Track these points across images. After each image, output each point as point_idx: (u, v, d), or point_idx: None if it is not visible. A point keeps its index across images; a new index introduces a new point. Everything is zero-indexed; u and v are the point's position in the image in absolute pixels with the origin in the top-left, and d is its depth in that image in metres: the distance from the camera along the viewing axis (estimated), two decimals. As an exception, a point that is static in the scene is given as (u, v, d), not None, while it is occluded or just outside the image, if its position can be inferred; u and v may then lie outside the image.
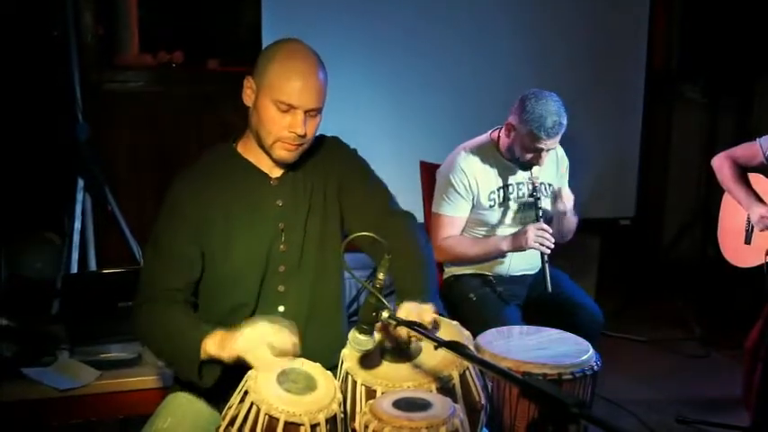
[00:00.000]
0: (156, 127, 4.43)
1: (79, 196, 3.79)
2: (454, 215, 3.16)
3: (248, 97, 2.06)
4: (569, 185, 3.35)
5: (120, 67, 4.50)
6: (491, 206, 3.17)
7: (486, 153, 3.19)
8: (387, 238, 1.76)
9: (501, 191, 3.19)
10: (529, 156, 3.06)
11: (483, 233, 3.22)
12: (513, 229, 3.16)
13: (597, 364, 2.26)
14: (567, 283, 3.28)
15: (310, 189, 2.14)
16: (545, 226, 3.04)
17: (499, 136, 3.18)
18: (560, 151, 3.35)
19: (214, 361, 1.84)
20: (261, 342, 1.79)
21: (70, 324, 2.73)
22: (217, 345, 1.82)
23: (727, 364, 4.13)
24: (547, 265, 3.04)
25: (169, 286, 2.01)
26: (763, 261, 3.37)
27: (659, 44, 5.11)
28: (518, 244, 3.05)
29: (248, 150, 2.12)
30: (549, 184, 3.26)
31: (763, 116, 5.24)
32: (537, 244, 3.00)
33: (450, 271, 3.30)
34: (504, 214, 3.21)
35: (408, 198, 3.80)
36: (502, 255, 3.15)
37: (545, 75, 4.48)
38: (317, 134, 2.16)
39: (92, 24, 4.30)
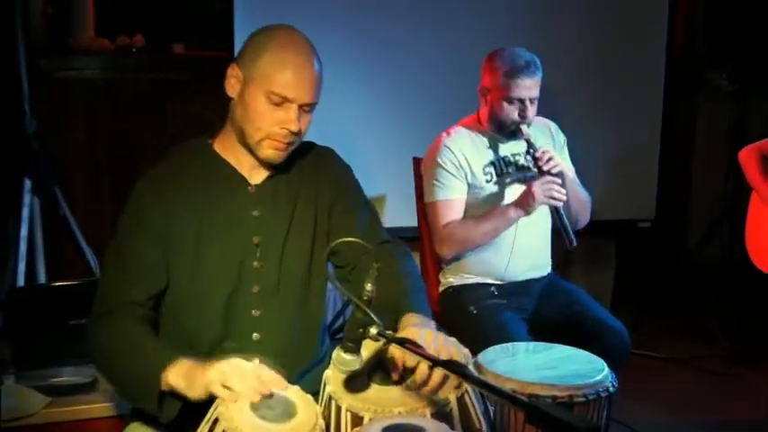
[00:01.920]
0: (115, 119, 4.40)
1: (26, 199, 3.76)
2: (450, 197, 3.19)
3: (233, 87, 2.03)
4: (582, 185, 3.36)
5: (74, 52, 4.48)
6: (488, 180, 3.22)
7: (471, 129, 3.27)
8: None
9: (496, 163, 3.24)
10: (513, 113, 3.12)
11: None
12: None
13: (613, 385, 2.25)
14: (586, 299, 3.27)
15: (294, 201, 2.12)
16: (550, 177, 3.05)
17: (478, 114, 3.26)
18: (553, 126, 3.41)
19: (174, 394, 1.80)
20: (241, 370, 1.75)
21: (16, 344, 2.70)
22: (183, 379, 1.78)
23: (757, 383, 4.15)
24: (564, 218, 3.07)
25: (129, 299, 1.99)
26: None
27: (681, 24, 5.15)
28: (526, 204, 3.06)
29: (227, 149, 2.10)
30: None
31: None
32: (546, 198, 3.02)
33: (448, 282, 3.30)
34: (505, 187, 3.23)
35: (402, 195, 3.83)
36: (511, 223, 3.11)
37: (550, 65, 4.49)
38: (308, 141, 2.16)
39: (41, 4, 4.27)
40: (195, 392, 1.76)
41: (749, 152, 3.63)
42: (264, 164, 2.08)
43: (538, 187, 3.03)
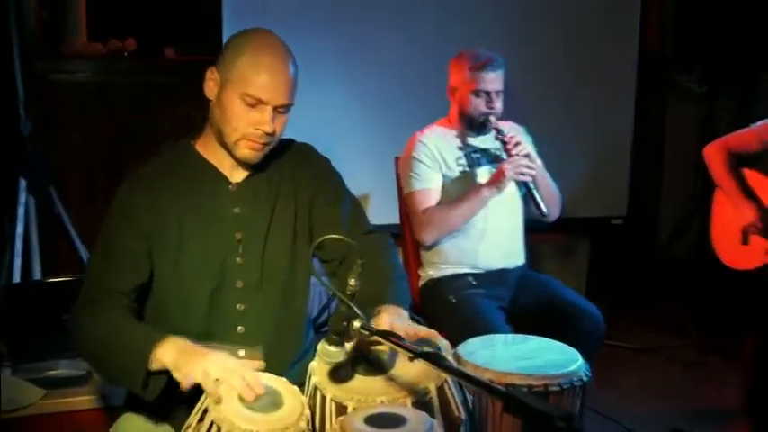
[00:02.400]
0: (107, 121, 4.38)
1: (22, 198, 3.74)
2: (426, 187, 3.24)
3: (211, 90, 2.03)
4: (555, 183, 3.40)
5: (68, 56, 4.45)
6: (462, 171, 3.29)
7: (443, 129, 3.37)
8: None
9: (468, 156, 3.32)
10: (481, 105, 3.22)
11: None
12: None
13: (587, 375, 2.25)
14: (560, 286, 3.32)
15: (274, 197, 2.12)
16: (519, 157, 3.14)
17: (449, 115, 3.37)
18: (521, 129, 3.47)
19: (161, 372, 1.79)
20: (227, 370, 1.74)
21: (12, 339, 2.69)
22: (174, 355, 1.77)
23: (726, 371, 4.17)
24: (534, 191, 3.16)
25: (114, 288, 1.98)
26: (762, 263, 3.41)
27: (652, 28, 5.15)
28: (497, 182, 3.15)
29: (208, 149, 2.10)
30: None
31: (764, 107, 5.29)
32: (515, 174, 3.13)
33: (428, 275, 3.32)
34: (476, 176, 3.29)
35: (385, 194, 3.83)
36: (484, 202, 3.18)
37: (526, 67, 4.51)
38: (287, 138, 2.16)
39: (35, 8, 4.25)
40: (181, 375, 1.74)
41: (715, 148, 3.63)
42: (242, 163, 2.08)
43: (508, 165, 3.14)
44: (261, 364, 1.81)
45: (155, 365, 1.79)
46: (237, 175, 2.11)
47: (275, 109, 1.99)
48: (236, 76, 1.97)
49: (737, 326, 3.97)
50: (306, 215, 2.15)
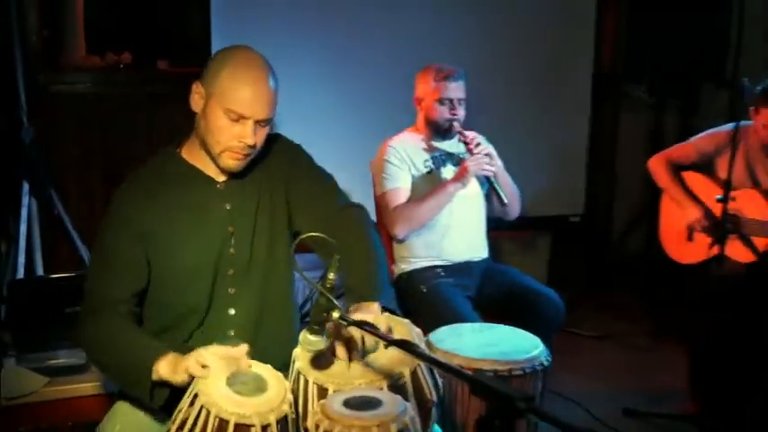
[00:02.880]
0: (104, 129, 4.34)
1: (25, 200, 3.71)
2: (397, 186, 3.26)
3: (196, 103, 2.01)
4: (517, 184, 3.41)
5: (67, 69, 4.40)
6: (429, 172, 3.31)
7: (412, 135, 3.40)
8: (336, 233, 1.77)
9: (434, 158, 3.35)
10: (445, 112, 3.27)
11: None
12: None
13: (547, 360, 2.27)
14: (522, 275, 3.35)
15: (257, 190, 2.11)
16: (478, 155, 3.20)
17: (416, 124, 3.41)
18: (483, 138, 3.44)
19: (164, 383, 1.80)
20: (213, 351, 1.76)
21: (17, 331, 2.67)
22: (170, 368, 1.78)
23: (675, 356, 4.19)
24: (495, 183, 3.22)
25: (113, 297, 1.97)
26: (706, 257, 3.44)
27: (606, 46, 5.18)
28: (461, 177, 3.21)
29: (193, 155, 2.09)
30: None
31: (708, 117, 5.34)
32: (477, 169, 3.19)
33: (401, 269, 3.33)
34: (442, 176, 3.32)
35: (362, 195, 3.81)
36: (450, 197, 3.22)
37: (494, 77, 4.53)
38: None
39: (37, 25, 4.21)
40: (178, 377, 1.76)
41: (657, 160, 3.68)
42: (225, 171, 2.07)
43: (470, 162, 3.20)
44: (246, 346, 1.80)
45: (156, 377, 1.80)
46: (222, 176, 2.10)
47: (256, 122, 1.97)
48: (220, 91, 1.95)
49: (684, 313, 4.01)
50: (283, 200, 2.14)
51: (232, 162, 2.01)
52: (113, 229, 2.02)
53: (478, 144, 3.26)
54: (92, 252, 2.06)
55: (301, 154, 2.23)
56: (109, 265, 2.00)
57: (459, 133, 3.29)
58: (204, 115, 1.99)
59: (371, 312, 1.84)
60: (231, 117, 1.95)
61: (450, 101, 3.26)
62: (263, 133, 2.01)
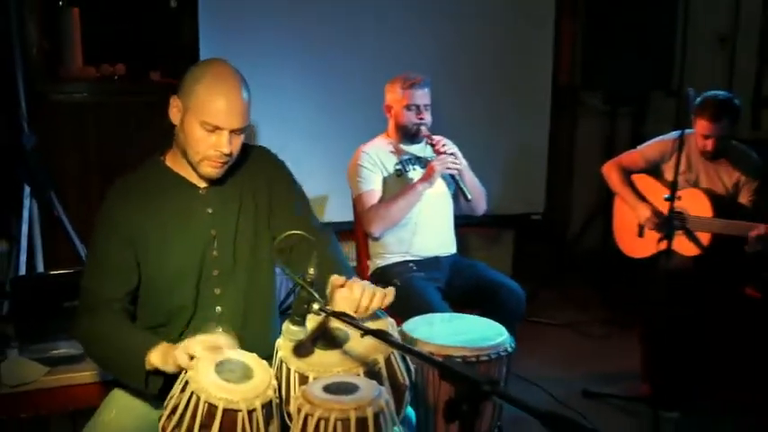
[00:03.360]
0: (101, 135, 4.32)
1: (26, 202, 3.68)
2: (369, 188, 3.26)
3: (174, 116, 1.99)
4: (483, 184, 3.42)
5: (66, 79, 4.37)
6: (399, 174, 3.31)
7: (383, 140, 3.40)
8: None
9: (404, 162, 3.35)
10: (413, 117, 3.27)
11: None
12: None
13: (511, 346, 2.28)
14: (487, 269, 3.35)
15: (239, 195, 2.09)
16: (444, 156, 3.21)
17: (387, 131, 3.40)
18: (450, 142, 3.45)
19: (158, 372, 1.79)
20: (199, 340, 1.75)
21: (19, 323, 2.63)
22: (161, 357, 1.77)
23: (628, 342, 4.22)
24: (459, 181, 3.23)
25: (107, 296, 1.96)
26: (656, 252, 3.47)
27: (564, 58, 5.21)
28: (429, 177, 3.20)
29: (176, 163, 2.07)
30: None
31: (656, 123, 5.39)
32: (443, 168, 3.19)
33: (376, 264, 3.33)
34: (411, 178, 3.31)
35: (341, 196, 3.83)
36: (419, 196, 3.21)
37: (462, 87, 4.54)
38: (245, 143, 2.13)
39: (36, 39, 4.17)
40: (170, 367, 1.75)
41: (609, 166, 3.72)
42: (205, 178, 2.05)
43: (436, 162, 3.21)
44: (233, 338, 1.80)
45: (149, 367, 1.79)
46: (204, 182, 2.08)
47: (231, 132, 1.95)
48: (195, 104, 1.93)
49: (636, 303, 4.03)
50: (266, 210, 2.12)
51: (210, 170, 1.99)
52: (104, 234, 2.00)
53: (444, 144, 3.28)
54: (87, 254, 2.04)
55: (285, 171, 2.20)
56: (101, 267, 1.98)
57: (427, 137, 3.30)
58: (182, 127, 1.97)
59: (358, 283, 1.83)
60: (207, 128, 1.93)
61: (417, 107, 3.27)
62: (238, 141, 1.99)
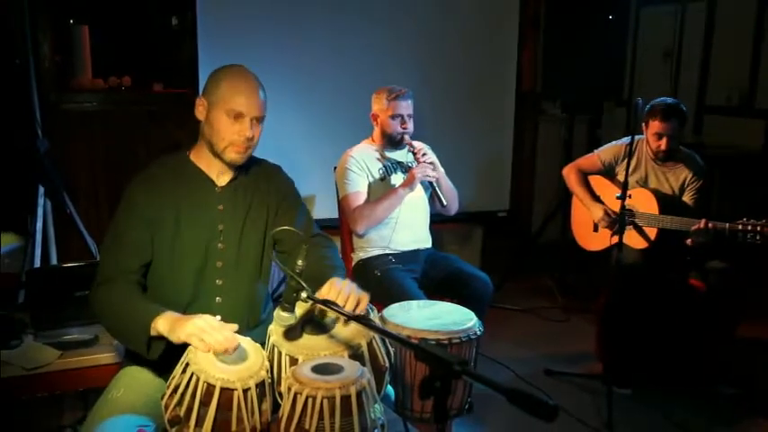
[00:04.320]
0: (109, 141, 4.29)
1: (41, 201, 3.64)
2: (356, 190, 3.24)
3: (200, 113, 2.04)
4: (455, 185, 3.42)
5: (76, 90, 4.34)
6: (382, 179, 3.29)
7: (368, 145, 3.38)
8: (310, 254, 1.77)
9: (387, 167, 3.33)
10: (397, 126, 3.25)
11: None
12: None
13: (480, 330, 2.28)
14: (459, 260, 3.35)
15: (249, 201, 2.10)
16: (424, 164, 3.20)
17: (372, 136, 3.38)
18: (427, 147, 3.45)
19: (161, 338, 1.78)
20: (213, 328, 1.73)
21: (34, 311, 2.61)
22: (168, 326, 1.76)
23: (583, 326, 4.26)
24: (437, 188, 3.23)
25: (126, 268, 1.95)
26: (609, 245, 3.49)
27: (526, 70, 5.23)
28: (409, 181, 3.20)
29: (200, 159, 2.08)
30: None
31: (608, 129, 5.43)
32: (423, 176, 3.18)
33: (358, 257, 3.32)
34: (393, 181, 3.30)
35: (327, 196, 3.82)
36: (401, 199, 3.21)
37: (435, 97, 4.54)
38: (262, 158, 2.17)
39: (49, 53, 4.14)
40: (175, 337, 1.74)
41: (568, 169, 3.74)
42: (230, 166, 2.06)
43: (417, 169, 3.19)
44: (235, 326, 1.79)
45: (154, 332, 1.78)
46: (222, 180, 2.09)
47: (252, 120, 1.99)
48: (221, 97, 1.98)
49: (591, 291, 4.06)
50: (272, 217, 2.14)
51: (235, 155, 2.02)
52: (125, 213, 2.01)
53: (425, 154, 3.27)
54: (106, 234, 2.03)
55: (292, 189, 2.22)
56: (120, 241, 1.98)
57: (409, 144, 3.29)
58: (208, 121, 2.01)
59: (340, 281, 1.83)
60: (231, 116, 1.98)
61: (401, 116, 3.25)
62: (258, 130, 2.04)
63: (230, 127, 1.98)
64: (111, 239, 2.01)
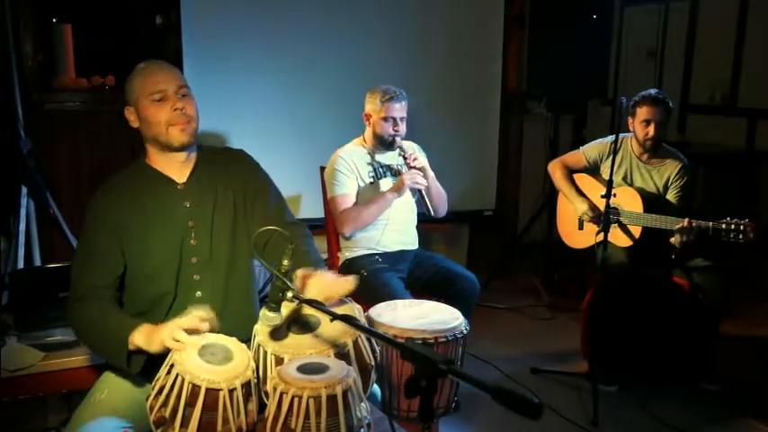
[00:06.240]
0: (92, 141, 4.26)
1: (23, 201, 3.61)
2: (345, 192, 3.22)
3: (134, 121, 2.05)
4: (441, 184, 3.41)
5: (59, 90, 4.30)
6: (371, 181, 3.28)
7: (359, 146, 3.35)
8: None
9: (377, 169, 3.31)
10: (389, 128, 3.22)
11: None
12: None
13: (466, 329, 2.29)
14: (446, 260, 3.36)
15: (215, 190, 2.08)
16: (415, 170, 3.19)
17: (364, 136, 3.35)
18: (417, 146, 3.46)
19: (140, 351, 1.78)
20: (180, 323, 1.74)
21: (17, 313, 2.58)
22: (144, 338, 1.76)
23: (569, 324, 4.27)
24: (425, 196, 3.24)
25: (95, 284, 1.95)
26: (594, 243, 3.51)
27: (511, 71, 5.24)
28: (398, 187, 3.19)
29: (155, 161, 2.07)
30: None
31: (593, 128, 5.46)
32: (412, 183, 3.18)
33: (345, 256, 3.31)
34: (382, 185, 3.29)
35: (313, 195, 3.81)
36: (389, 204, 3.20)
37: (423, 97, 4.54)
38: (225, 147, 2.15)
39: (32, 52, 4.11)
40: (153, 347, 1.74)
41: (554, 164, 3.76)
42: (182, 150, 2.03)
43: (407, 175, 3.18)
44: (206, 310, 1.77)
45: (132, 347, 1.78)
46: (182, 176, 2.07)
47: (176, 93, 1.99)
48: (138, 91, 2.00)
49: (577, 289, 4.08)
50: (241, 205, 2.12)
51: (179, 133, 2.00)
52: (91, 227, 2.00)
53: (415, 159, 3.24)
54: (77, 248, 2.03)
55: (260, 171, 2.20)
56: (89, 257, 1.97)
57: (400, 148, 3.25)
58: (142, 118, 2.01)
59: (324, 274, 1.83)
60: (156, 98, 1.97)
61: (394, 119, 3.21)
62: (190, 103, 2.02)
63: (160, 109, 1.97)
64: (81, 255, 2.00)
